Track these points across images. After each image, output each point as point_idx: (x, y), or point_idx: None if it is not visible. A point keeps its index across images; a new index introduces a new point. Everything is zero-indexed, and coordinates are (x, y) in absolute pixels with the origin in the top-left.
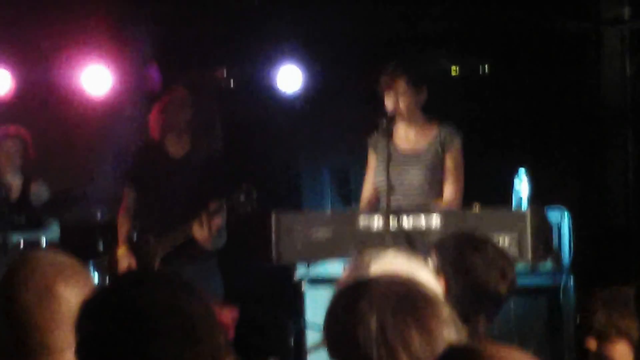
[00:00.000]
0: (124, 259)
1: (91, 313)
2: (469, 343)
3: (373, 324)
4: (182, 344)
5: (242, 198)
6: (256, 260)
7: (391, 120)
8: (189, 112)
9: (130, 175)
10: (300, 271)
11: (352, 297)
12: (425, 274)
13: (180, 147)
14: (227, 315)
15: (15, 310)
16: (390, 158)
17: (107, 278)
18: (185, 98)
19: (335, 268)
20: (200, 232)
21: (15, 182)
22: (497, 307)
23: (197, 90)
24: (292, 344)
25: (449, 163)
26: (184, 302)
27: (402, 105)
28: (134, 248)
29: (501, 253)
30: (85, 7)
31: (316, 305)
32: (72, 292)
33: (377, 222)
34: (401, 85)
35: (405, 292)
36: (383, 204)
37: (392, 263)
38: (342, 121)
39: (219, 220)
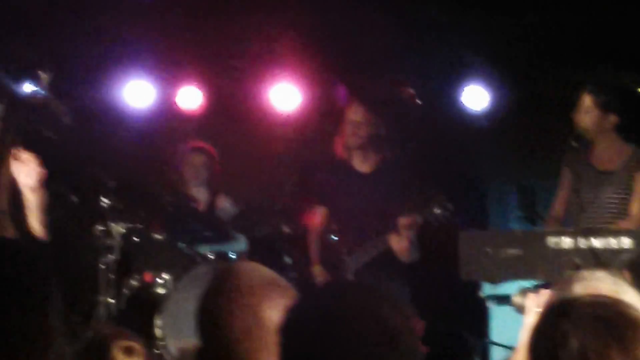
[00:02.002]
0: (320, 276)
1: (294, 324)
2: None
3: (574, 345)
4: (384, 353)
5: (437, 210)
6: (443, 276)
7: (583, 139)
8: (370, 128)
9: (319, 192)
10: (486, 289)
11: (555, 318)
12: (631, 296)
13: (367, 163)
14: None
15: (223, 336)
16: (582, 177)
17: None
18: (366, 115)
19: (521, 287)
20: (399, 243)
21: (202, 196)
22: None
23: (380, 106)
24: None
25: (638, 182)
26: (385, 313)
27: (591, 125)
28: (327, 264)
29: None
30: (274, 25)
31: (501, 324)
32: (278, 313)
33: (566, 241)
34: (588, 106)
35: (608, 313)
36: (574, 222)
37: (597, 283)
38: (529, 140)
39: (412, 233)
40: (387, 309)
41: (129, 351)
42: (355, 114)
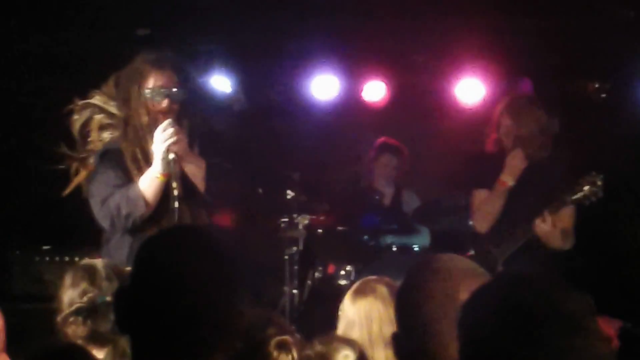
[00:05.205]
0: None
1: (472, 310)
2: None
3: None
4: (565, 333)
5: (586, 188)
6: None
7: None
8: (523, 128)
9: (475, 180)
10: None
11: None
12: None
13: None
14: (610, 327)
15: (419, 317)
16: None
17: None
18: (525, 108)
19: None
20: (543, 227)
21: (387, 189)
22: None
23: (555, 103)
24: None
25: None
26: (561, 297)
27: None
28: (476, 255)
29: None
30: (459, 19)
31: None
32: None
33: None
34: None
35: None
36: None
37: None
38: None
39: (567, 219)
40: (561, 293)
41: (282, 347)
42: (508, 114)
